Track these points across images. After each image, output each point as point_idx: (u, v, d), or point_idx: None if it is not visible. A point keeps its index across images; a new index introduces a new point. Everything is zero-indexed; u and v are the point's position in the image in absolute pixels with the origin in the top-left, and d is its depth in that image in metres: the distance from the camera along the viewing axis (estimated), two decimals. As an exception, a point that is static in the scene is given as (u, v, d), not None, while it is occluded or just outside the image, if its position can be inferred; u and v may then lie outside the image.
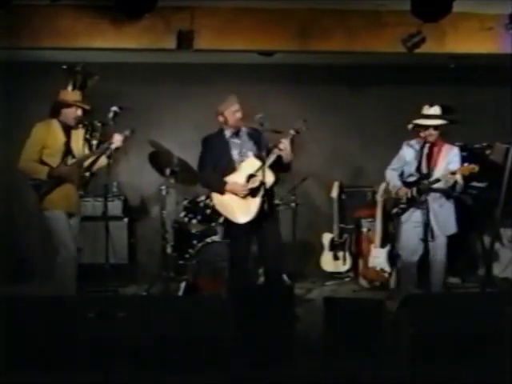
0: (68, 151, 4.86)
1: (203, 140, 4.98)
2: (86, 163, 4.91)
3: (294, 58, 6.26)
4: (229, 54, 5.94)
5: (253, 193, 4.75)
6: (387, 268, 5.92)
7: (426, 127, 4.85)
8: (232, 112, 4.83)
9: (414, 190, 4.85)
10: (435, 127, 4.84)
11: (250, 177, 4.75)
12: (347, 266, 6.49)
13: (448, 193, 4.84)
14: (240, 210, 4.81)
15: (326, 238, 6.54)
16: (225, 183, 4.80)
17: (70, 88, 5.21)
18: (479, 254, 6.36)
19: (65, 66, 5.33)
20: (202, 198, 5.97)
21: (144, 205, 6.84)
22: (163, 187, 5.68)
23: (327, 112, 6.83)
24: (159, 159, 5.76)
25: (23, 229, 6.49)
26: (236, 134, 4.88)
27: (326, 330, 3.97)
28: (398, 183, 5.00)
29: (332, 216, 6.54)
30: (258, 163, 4.71)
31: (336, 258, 6.49)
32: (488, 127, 6.29)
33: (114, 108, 4.82)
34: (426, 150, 4.91)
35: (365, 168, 6.86)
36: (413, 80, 6.59)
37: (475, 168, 4.60)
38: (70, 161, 4.83)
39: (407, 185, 4.94)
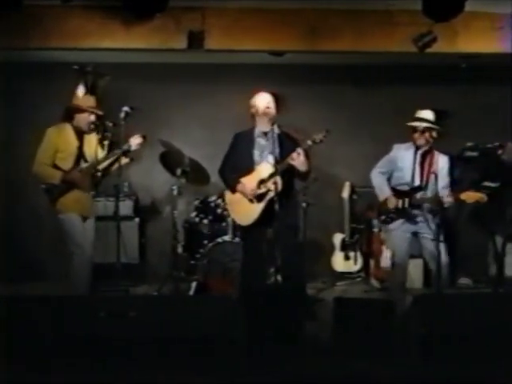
0: (80, 155, 4.90)
1: (234, 135, 5.00)
2: (101, 167, 4.94)
3: (303, 57, 6.26)
4: (239, 54, 5.94)
5: (259, 198, 4.75)
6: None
7: (415, 130, 4.78)
8: (262, 110, 4.81)
9: (406, 201, 4.74)
10: (423, 131, 4.76)
11: (261, 182, 4.74)
12: (358, 266, 6.48)
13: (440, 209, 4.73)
14: (243, 212, 4.83)
15: (337, 238, 6.54)
16: (238, 182, 4.81)
17: (82, 91, 5.24)
18: (491, 255, 6.32)
19: (76, 67, 5.37)
20: (213, 197, 5.99)
21: (155, 205, 6.86)
22: (174, 187, 5.69)
23: (337, 112, 6.82)
24: (170, 159, 5.78)
25: (36, 230, 6.52)
26: (265, 134, 4.82)
27: (337, 330, 3.97)
28: (387, 190, 4.84)
29: (343, 216, 6.53)
30: (271, 169, 4.67)
31: (347, 258, 6.48)
32: (500, 127, 6.25)
33: (126, 108, 4.84)
34: (418, 158, 4.81)
35: (376, 168, 6.83)
36: (423, 80, 6.56)
37: (483, 198, 4.54)
38: (83, 165, 4.87)
39: (398, 194, 4.81)
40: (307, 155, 4.61)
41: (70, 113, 4.89)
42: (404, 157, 4.85)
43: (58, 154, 4.83)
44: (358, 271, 6.50)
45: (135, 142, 4.90)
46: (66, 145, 4.84)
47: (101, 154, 4.99)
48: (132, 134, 4.92)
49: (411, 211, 4.75)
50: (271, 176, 4.62)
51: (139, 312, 3.79)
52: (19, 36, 5.05)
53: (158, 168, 5.98)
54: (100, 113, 4.93)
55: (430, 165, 4.79)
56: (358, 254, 6.48)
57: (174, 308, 3.91)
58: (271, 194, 4.61)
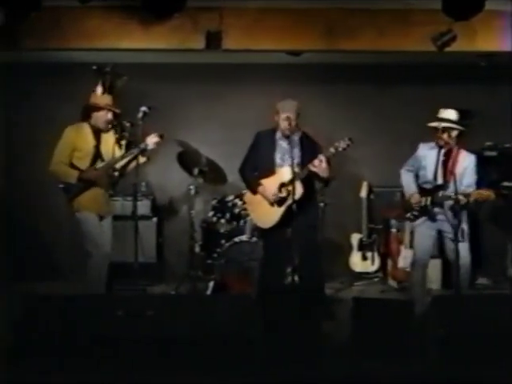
0: (98, 155, 4.92)
1: (256, 134, 5.00)
2: (118, 166, 4.96)
3: (321, 57, 6.23)
4: (256, 54, 5.93)
5: (280, 202, 4.74)
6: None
7: (440, 131, 4.75)
8: (283, 118, 4.78)
9: (429, 199, 4.77)
10: (442, 131, 4.73)
11: (282, 185, 4.73)
12: (376, 267, 6.45)
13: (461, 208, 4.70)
14: (263, 215, 4.84)
15: (355, 238, 6.51)
16: (259, 184, 4.80)
17: (100, 90, 5.27)
18: (510, 255, 6.26)
19: (95, 67, 5.40)
20: (231, 197, 6.00)
21: (172, 204, 6.87)
22: (191, 187, 5.72)
23: (355, 111, 6.80)
24: (187, 159, 5.80)
25: (54, 229, 6.57)
26: (287, 136, 4.79)
27: (355, 330, 3.96)
28: (413, 188, 4.89)
29: (361, 216, 6.51)
30: (292, 174, 4.63)
31: (364, 258, 6.46)
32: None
33: (144, 108, 4.85)
34: (441, 157, 4.80)
35: (393, 168, 6.77)
36: (442, 79, 6.51)
37: (491, 196, 4.53)
38: (100, 164, 4.89)
39: (422, 192, 4.85)
40: (329, 162, 4.59)
41: (87, 111, 4.92)
42: (428, 156, 4.87)
43: (76, 153, 4.86)
44: (376, 271, 6.47)
45: (152, 140, 4.92)
46: (83, 144, 4.87)
47: (118, 153, 5.01)
48: (149, 133, 4.94)
49: (433, 209, 4.76)
50: (292, 181, 4.60)
51: (156, 311, 3.80)
52: (38, 37, 5.09)
53: (175, 168, 6.01)
54: (117, 111, 4.96)
55: (454, 164, 4.77)
56: (376, 254, 6.45)
57: (191, 307, 3.92)
58: (290, 201, 4.60)
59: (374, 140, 6.77)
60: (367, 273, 6.47)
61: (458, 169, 4.74)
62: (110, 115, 4.92)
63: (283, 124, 4.78)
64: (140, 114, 4.84)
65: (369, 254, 6.46)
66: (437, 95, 6.29)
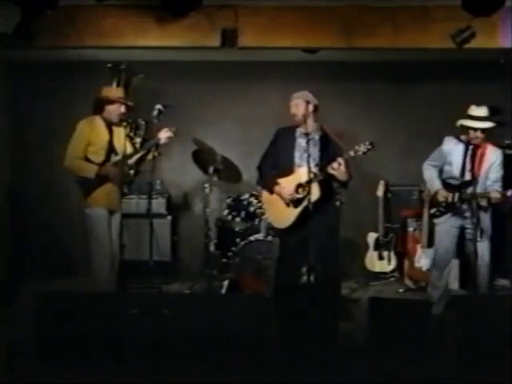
0: (111, 149, 4.91)
1: (276, 131, 4.96)
2: (131, 161, 4.96)
3: (338, 55, 6.21)
4: (272, 52, 5.92)
5: (296, 203, 4.72)
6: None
7: (474, 129, 4.71)
8: (291, 106, 4.79)
9: (456, 195, 4.71)
10: (482, 130, 4.69)
11: (299, 186, 4.71)
12: (392, 266, 6.42)
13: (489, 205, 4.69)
14: (279, 215, 4.82)
15: (371, 237, 6.49)
16: (276, 183, 4.79)
17: (113, 85, 5.27)
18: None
19: (109, 65, 5.41)
20: (246, 195, 5.99)
21: (187, 202, 6.89)
22: (206, 185, 5.72)
23: (372, 110, 6.76)
24: (202, 157, 5.81)
25: (68, 225, 6.61)
26: (306, 134, 4.75)
27: (371, 330, 3.94)
28: (438, 183, 4.84)
29: (377, 215, 6.48)
30: (310, 174, 4.60)
31: (381, 257, 6.43)
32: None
33: (159, 106, 4.87)
34: (469, 153, 4.76)
35: (411, 166, 6.73)
36: (461, 76, 6.45)
37: (497, 198, 4.56)
38: (113, 158, 4.89)
39: (448, 187, 4.79)
40: (347, 165, 4.56)
41: (99, 105, 4.90)
42: (454, 151, 4.82)
43: (90, 148, 4.84)
44: (392, 271, 6.44)
45: (165, 135, 4.92)
46: (97, 138, 4.85)
47: (130, 149, 5.01)
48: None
49: (460, 206, 4.72)
50: (309, 182, 4.58)
51: (171, 310, 3.81)
52: (54, 35, 5.10)
53: (190, 166, 6.01)
54: (130, 103, 4.95)
55: (481, 160, 4.75)
56: (392, 253, 6.42)
57: (206, 306, 3.94)
58: (307, 202, 4.58)
59: (392, 138, 6.73)
60: (384, 272, 6.44)
61: (485, 164, 4.72)
62: (122, 108, 4.91)
63: (291, 112, 4.76)
64: (155, 112, 4.86)
65: (385, 254, 6.43)
66: (455, 93, 6.24)
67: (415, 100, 6.72)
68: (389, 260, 6.42)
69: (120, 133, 4.97)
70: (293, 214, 4.73)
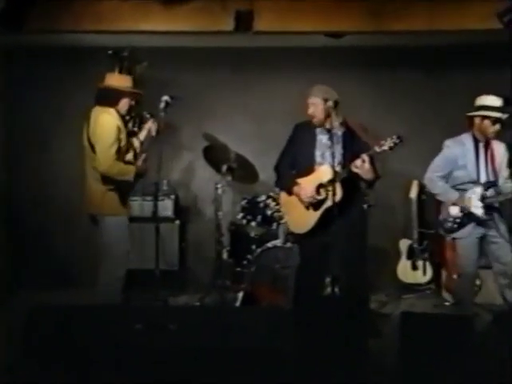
0: (129, 145, 4.88)
1: (294, 126, 4.94)
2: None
3: (366, 39, 6.19)
4: (291, 37, 5.91)
5: (316, 205, 4.70)
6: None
7: (480, 120, 4.73)
8: (309, 103, 4.74)
9: None
10: (490, 122, 4.69)
11: (320, 186, 4.69)
12: (428, 277, 6.39)
13: None
14: (297, 219, 4.82)
15: (404, 244, 6.47)
16: (294, 183, 4.77)
17: (122, 74, 5.23)
18: None
19: (110, 52, 5.42)
20: (262, 197, 5.98)
21: (197, 205, 6.91)
22: (219, 185, 5.74)
23: (404, 100, 6.75)
24: (214, 154, 5.82)
25: (63, 234, 6.65)
26: (328, 130, 4.72)
27: (403, 349, 3.90)
28: (455, 193, 4.79)
29: (410, 219, 6.45)
30: (332, 173, 4.58)
31: (415, 267, 6.41)
32: None
33: (166, 97, 4.86)
34: (481, 150, 4.76)
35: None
36: (504, 61, 6.38)
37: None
38: (129, 156, 4.86)
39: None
40: (373, 161, 4.53)
41: (116, 97, 4.82)
42: (464, 152, 4.80)
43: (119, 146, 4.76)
44: (428, 282, 6.41)
45: (154, 127, 4.89)
46: (122, 134, 4.79)
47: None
48: (172, 126, 4.92)
49: (484, 214, 4.69)
50: (332, 181, 4.56)
51: (179, 325, 3.81)
52: (49, 18, 5.15)
53: (200, 164, 6.03)
54: (141, 92, 4.93)
55: (492, 157, 4.75)
56: (428, 262, 6.39)
57: (218, 321, 3.93)
58: (329, 203, 4.56)
59: (426, 132, 6.69)
60: (418, 284, 6.42)
61: (497, 160, 4.74)
62: (132, 101, 4.88)
63: (309, 112, 4.73)
64: (162, 105, 4.86)
65: (420, 263, 6.41)
66: (498, 80, 6.16)
67: (453, 88, 6.67)
68: (424, 270, 6.39)
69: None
70: (313, 217, 4.72)
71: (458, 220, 4.75)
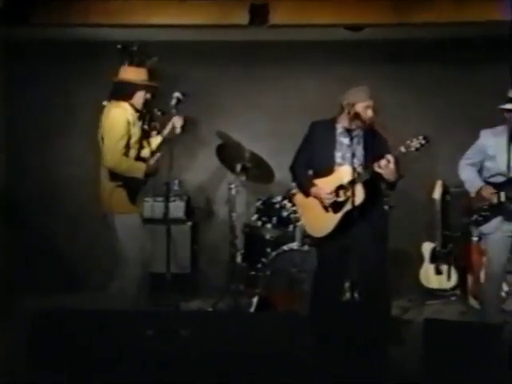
0: (142, 142, 4.89)
1: (311, 125, 4.91)
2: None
3: (387, 32, 6.18)
4: (309, 30, 5.91)
5: (336, 207, 4.69)
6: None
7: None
8: (363, 108, 4.66)
9: (502, 194, 4.67)
10: None
11: (340, 188, 4.68)
12: (453, 283, 6.37)
13: None
14: (316, 221, 4.81)
15: (427, 247, 6.45)
16: (312, 184, 4.77)
17: (135, 67, 5.25)
18: None
19: (119, 46, 5.44)
20: (278, 198, 5.98)
21: (210, 206, 6.93)
22: (233, 185, 5.74)
23: (428, 96, 6.73)
24: (228, 153, 5.83)
25: (72, 237, 6.70)
26: (349, 131, 4.70)
27: (427, 357, 3.89)
28: (479, 182, 4.80)
29: (434, 221, 6.43)
30: (353, 174, 4.55)
31: (438, 272, 6.38)
32: None
33: (177, 94, 4.87)
34: None
35: (475, 163, 6.68)
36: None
37: None
38: (144, 152, 4.88)
39: (493, 187, 4.75)
40: (397, 162, 4.51)
41: (130, 90, 4.83)
42: (495, 143, 4.79)
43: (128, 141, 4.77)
44: (453, 288, 6.38)
45: (179, 123, 4.89)
46: (134, 129, 4.80)
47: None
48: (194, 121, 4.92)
49: (510, 206, 4.67)
50: (352, 183, 4.53)
51: (192, 330, 3.82)
52: (58, 11, 5.18)
53: (213, 163, 6.03)
54: (156, 85, 4.94)
55: None
56: (453, 267, 6.36)
57: (231, 326, 3.94)
58: (350, 206, 4.55)
59: (452, 129, 6.67)
60: (442, 290, 6.40)
61: None
62: (148, 94, 4.90)
63: (365, 113, 4.65)
64: (173, 101, 4.86)
65: (444, 268, 6.38)
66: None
67: (480, 83, 6.63)
68: (448, 275, 6.37)
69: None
70: (333, 220, 4.71)
71: (483, 213, 4.74)
